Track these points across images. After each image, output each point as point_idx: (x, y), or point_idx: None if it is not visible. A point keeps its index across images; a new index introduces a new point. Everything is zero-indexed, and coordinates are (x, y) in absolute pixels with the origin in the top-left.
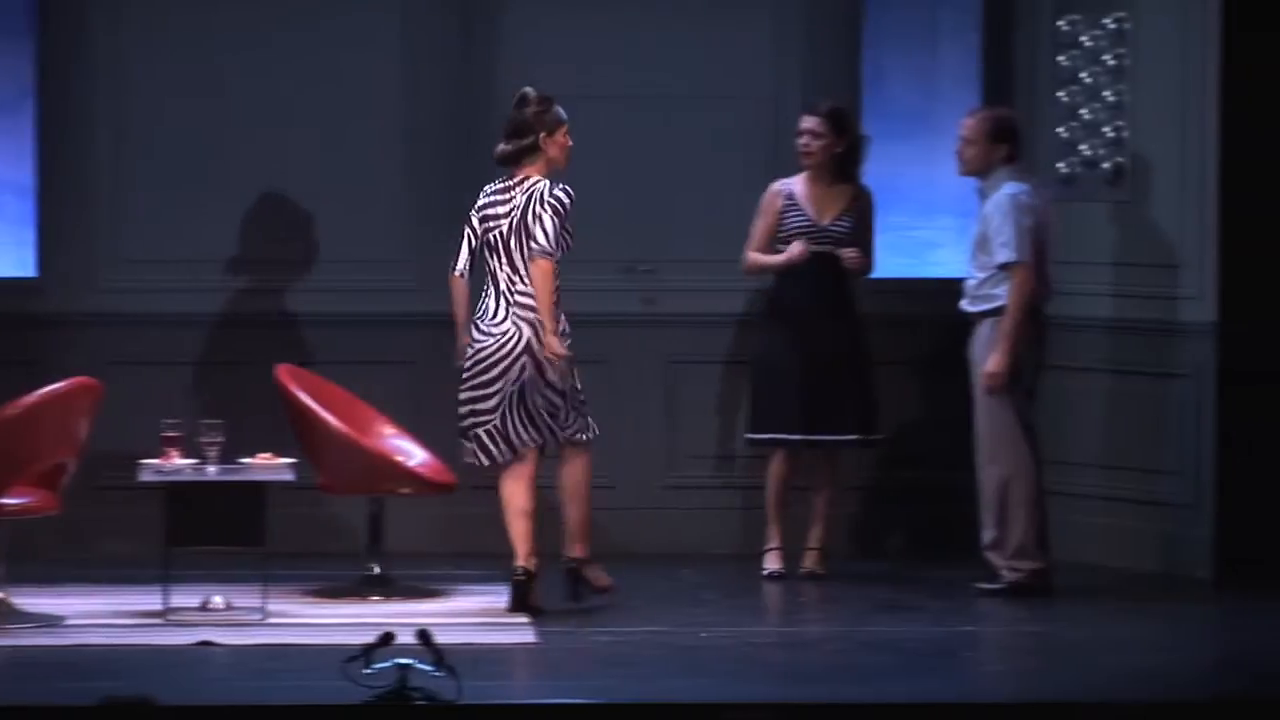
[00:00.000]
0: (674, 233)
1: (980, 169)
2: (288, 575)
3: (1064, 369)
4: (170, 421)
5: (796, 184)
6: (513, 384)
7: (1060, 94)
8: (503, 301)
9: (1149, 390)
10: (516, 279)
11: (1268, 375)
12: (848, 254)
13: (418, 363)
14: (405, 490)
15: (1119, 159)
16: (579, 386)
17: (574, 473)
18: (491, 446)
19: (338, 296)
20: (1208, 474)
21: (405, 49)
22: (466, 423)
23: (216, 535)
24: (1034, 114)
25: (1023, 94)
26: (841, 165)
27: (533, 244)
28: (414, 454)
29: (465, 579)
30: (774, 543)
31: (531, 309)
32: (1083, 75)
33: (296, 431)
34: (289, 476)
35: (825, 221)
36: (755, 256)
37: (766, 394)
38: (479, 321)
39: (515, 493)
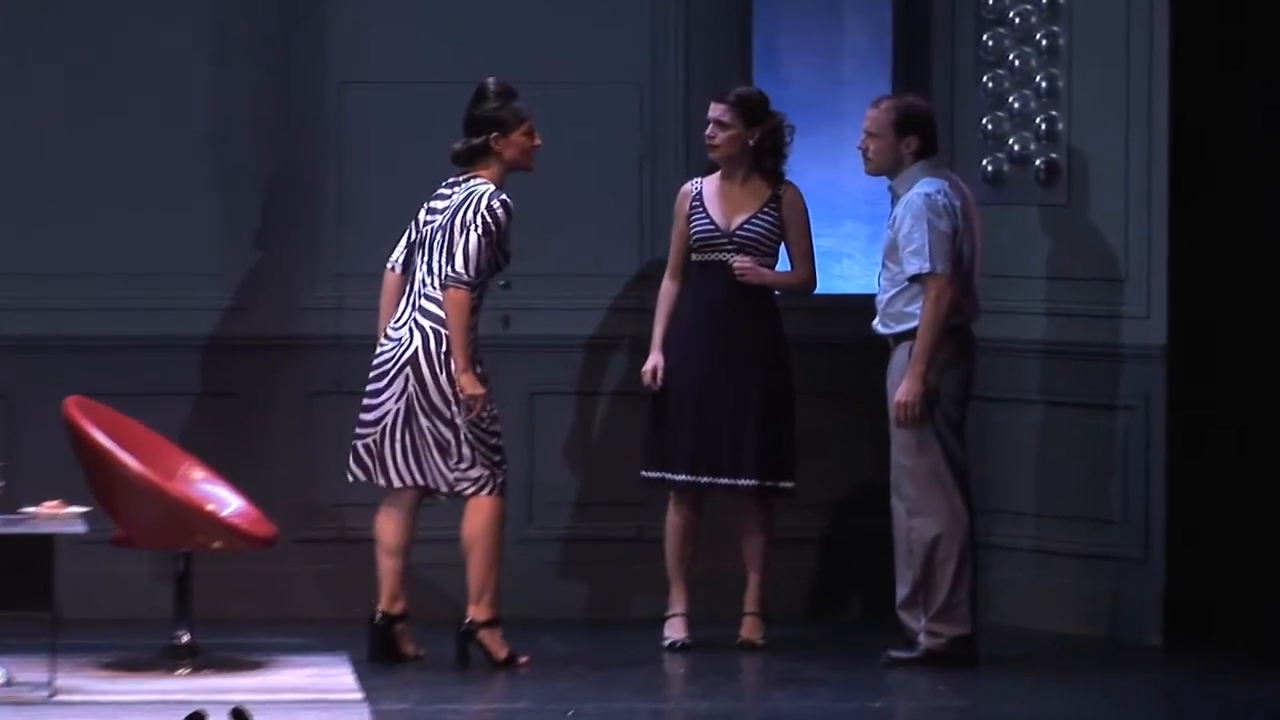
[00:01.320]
0: (534, 240)
1: (888, 166)
2: (80, 645)
3: (990, 400)
4: None
5: (707, 183)
6: (395, 399)
7: (985, 78)
8: (410, 304)
9: (1089, 425)
10: (430, 281)
11: (1224, 406)
12: (738, 263)
13: (236, 395)
14: (218, 545)
15: (1053, 155)
16: (492, 430)
17: (474, 522)
18: (368, 461)
19: (138, 317)
20: (1158, 522)
21: (217, 36)
22: (354, 430)
23: None
24: (955, 102)
25: (941, 78)
26: (756, 159)
27: (448, 269)
28: (228, 502)
29: (288, 648)
30: (676, 608)
31: (436, 318)
32: (1011, 56)
33: (89, 475)
34: (80, 528)
35: (733, 224)
36: (664, 287)
37: (657, 425)
38: (392, 323)
39: (384, 527)
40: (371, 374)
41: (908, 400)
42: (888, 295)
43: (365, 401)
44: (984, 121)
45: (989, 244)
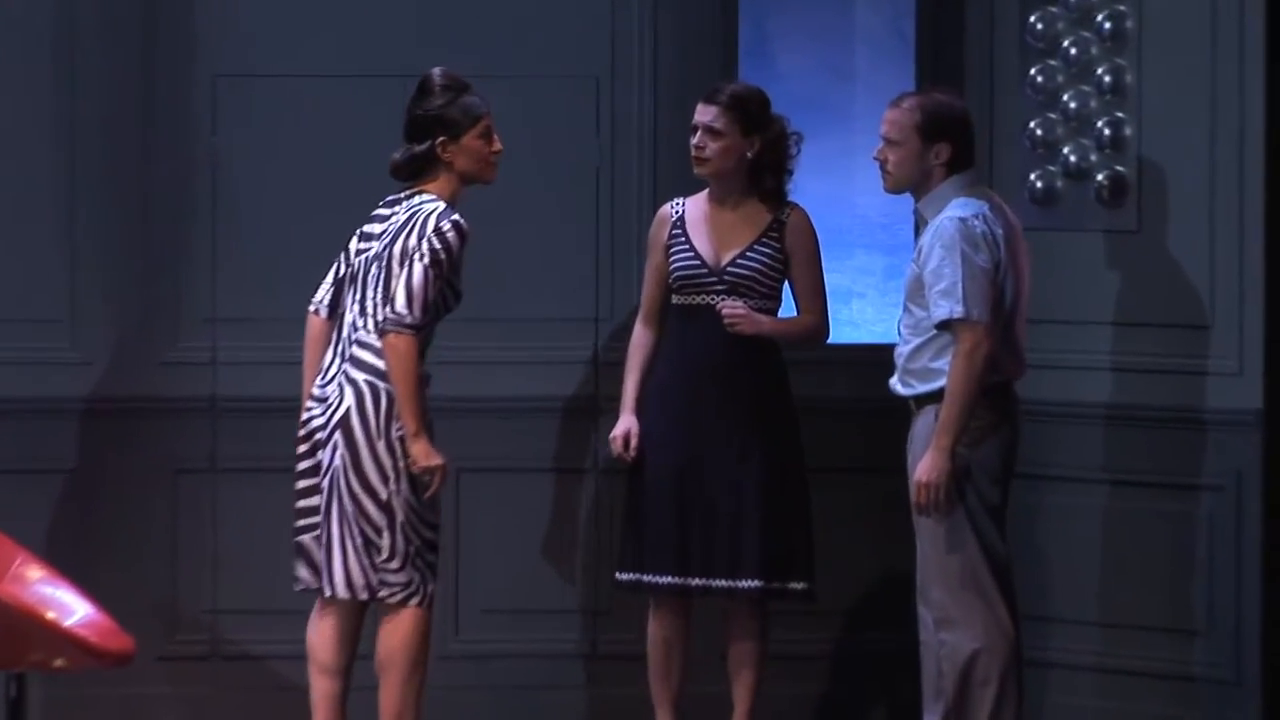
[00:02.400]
0: (465, 274)
1: (912, 182)
2: None
3: (1039, 478)
4: None
5: (692, 205)
6: (324, 474)
7: (1033, 70)
8: (338, 354)
9: (1165, 509)
10: (362, 323)
11: None
12: (727, 309)
13: (83, 471)
14: (60, 663)
15: (1119, 168)
16: (430, 522)
17: (393, 637)
18: (317, 560)
19: None
20: (1252, 633)
21: (61, 21)
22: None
23: None
24: (995, 101)
25: (978, 70)
26: (754, 176)
27: (387, 311)
28: (73, 608)
29: None
30: None
31: (371, 369)
32: (1066, 42)
33: None
34: None
35: (724, 259)
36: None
37: (633, 517)
38: (318, 380)
39: (313, 640)
40: (300, 448)
41: (932, 480)
42: (910, 347)
43: (299, 484)
44: (1032, 125)
45: (1037, 281)
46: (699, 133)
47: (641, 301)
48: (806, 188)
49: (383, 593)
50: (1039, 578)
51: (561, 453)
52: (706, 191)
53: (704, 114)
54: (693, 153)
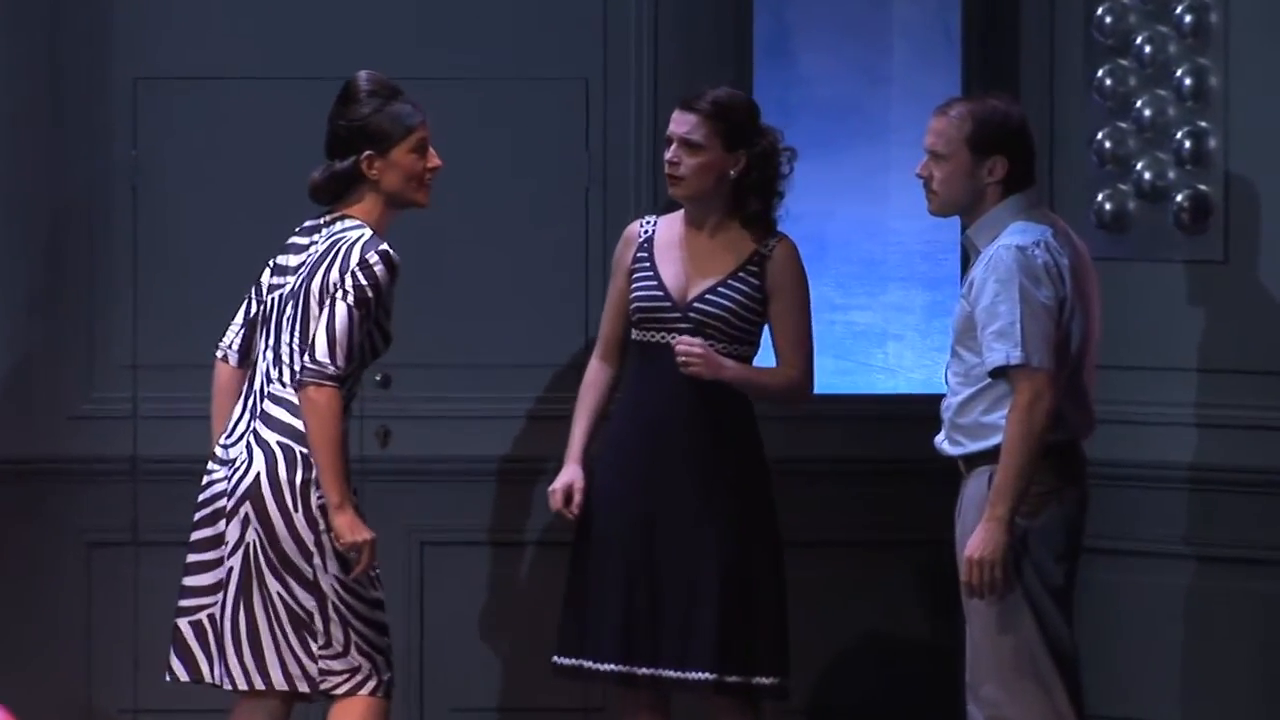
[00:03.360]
0: (420, 315)
1: (961, 203)
2: None
3: (1110, 553)
4: None
5: (664, 225)
6: (232, 553)
7: (1100, 72)
8: (248, 409)
9: (1261, 590)
10: (276, 372)
11: None
12: (681, 346)
13: None
14: None
15: (1202, 187)
16: (372, 599)
17: None
18: (197, 650)
19: None
20: None
21: None
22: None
23: None
24: (1055, 108)
25: (1036, 73)
26: (737, 198)
27: (305, 360)
28: None
29: None
30: None
31: (286, 429)
32: (1138, 39)
33: None
34: None
35: (691, 293)
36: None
37: (574, 590)
38: (222, 438)
39: None
40: (197, 515)
41: (986, 556)
42: (959, 398)
43: (190, 558)
44: (1099, 137)
45: (1108, 320)
46: (673, 146)
47: (600, 331)
48: (833, 210)
49: (325, 684)
50: (1111, 672)
51: (542, 523)
52: (681, 211)
53: (680, 124)
54: (666, 169)
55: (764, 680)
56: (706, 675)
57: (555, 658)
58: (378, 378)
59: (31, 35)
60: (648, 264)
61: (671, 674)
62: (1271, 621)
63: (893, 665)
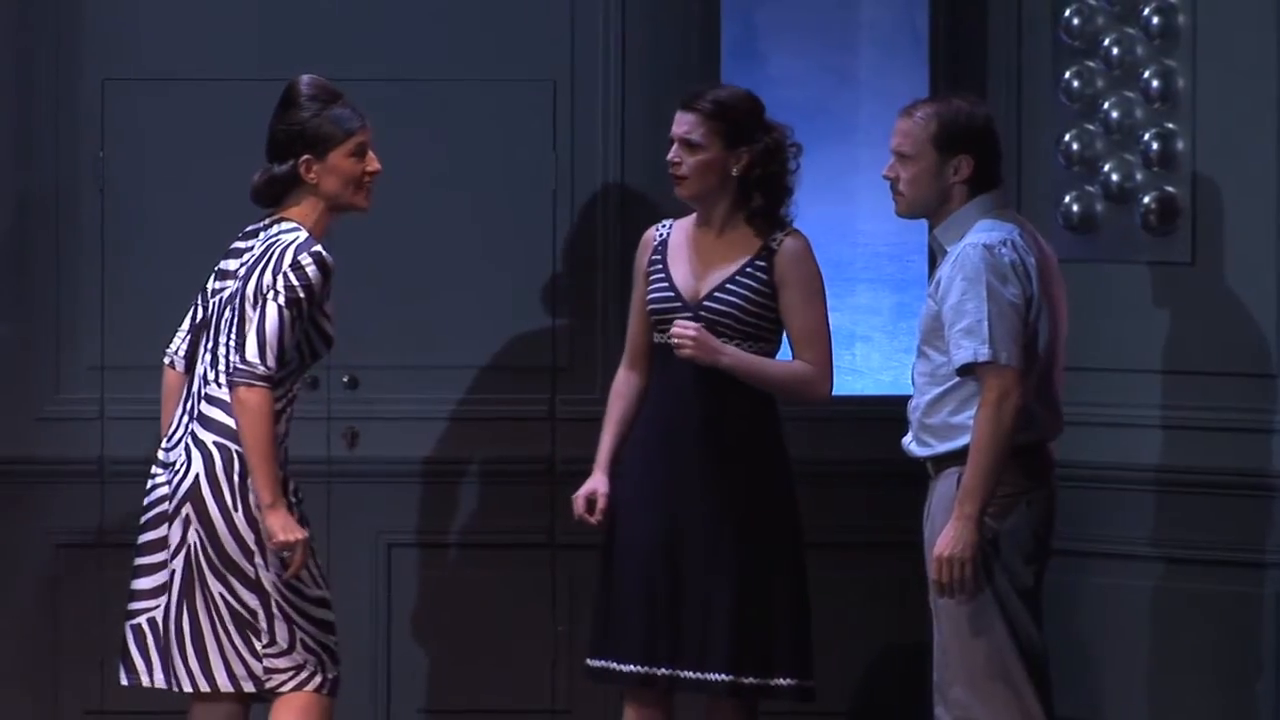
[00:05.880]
0: (390, 317)
1: (928, 203)
2: None
3: (1078, 555)
4: None
5: (678, 229)
6: (174, 554)
7: (1068, 73)
8: (186, 411)
9: (1225, 591)
10: (214, 375)
11: None
12: (676, 328)
13: None
14: None
15: (1169, 188)
16: (315, 597)
17: None
18: (142, 652)
19: None
20: None
21: None
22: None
23: None
24: (1023, 108)
25: (1003, 73)
26: (743, 196)
27: (235, 360)
28: None
29: None
30: None
31: (222, 429)
32: (1106, 40)
33: None
34: None
35: (702, 290)
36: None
37: (603, 598)
38: (164, 442)
39: None
40: (142, 519)
41: (955, 554)
42: (926, 398)
43: (137, 561)
44: (1067, 139)
45: (1074, 321)
46: (675, 147)
47: (626, 339)
48: (801, 212)
49: (270, 682)
50: (1079, 672)
51: (511, 524)
52: (694, 214)
53: (680, 124)
54: (670, 169)
55: (783, 681)
56: (723, 676)
57: (588, 660)
58: (345, 379)
59: None
60: (661, 267)
61: (690, 675)
62: (1238, 622)
63: (869, 657)
